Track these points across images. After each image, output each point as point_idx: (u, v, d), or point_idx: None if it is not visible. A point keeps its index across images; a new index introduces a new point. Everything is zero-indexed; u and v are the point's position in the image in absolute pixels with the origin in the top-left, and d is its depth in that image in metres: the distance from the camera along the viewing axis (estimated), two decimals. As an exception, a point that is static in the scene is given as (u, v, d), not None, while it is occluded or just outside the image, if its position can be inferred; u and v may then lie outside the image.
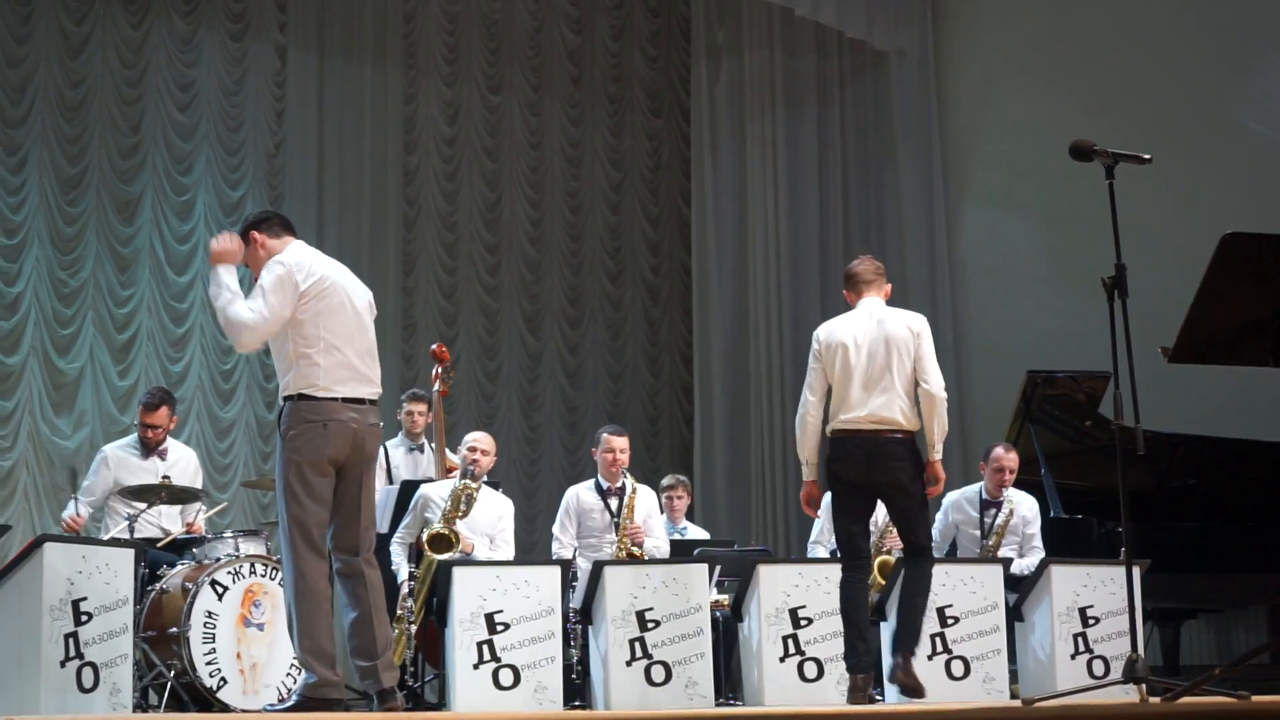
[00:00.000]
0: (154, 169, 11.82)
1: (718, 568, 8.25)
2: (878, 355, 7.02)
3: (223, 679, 7.36)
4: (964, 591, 7.95)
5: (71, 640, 6.91)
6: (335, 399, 5.99)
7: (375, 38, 12.77)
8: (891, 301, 12.97)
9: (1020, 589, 8.23)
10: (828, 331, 7.28)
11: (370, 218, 12.55)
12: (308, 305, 6.00)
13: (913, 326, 7.16)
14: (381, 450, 9.02)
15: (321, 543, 6.05)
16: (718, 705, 7.69)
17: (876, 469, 6.84)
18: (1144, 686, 4.72)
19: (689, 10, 14.11)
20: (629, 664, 7.55)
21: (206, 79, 12.08)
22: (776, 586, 7.77)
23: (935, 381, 6.98)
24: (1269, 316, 4.70)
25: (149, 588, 7.63)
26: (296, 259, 6.08)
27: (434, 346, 9.03)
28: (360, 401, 6.07)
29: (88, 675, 6.93)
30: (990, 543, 8.76)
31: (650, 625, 7.60)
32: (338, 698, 6.01)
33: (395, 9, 12.88)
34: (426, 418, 9.10)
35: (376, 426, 6.21)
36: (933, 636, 7.83)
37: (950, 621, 7.92)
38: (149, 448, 8.35)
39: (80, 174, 11.53)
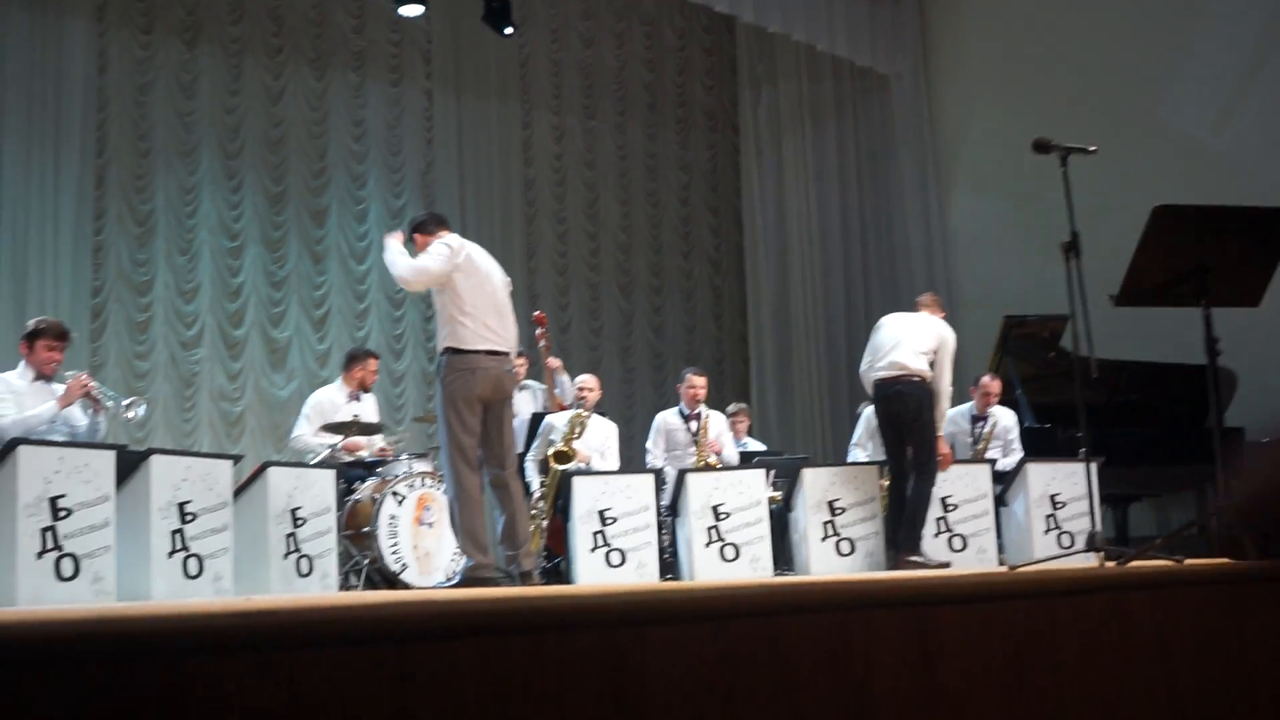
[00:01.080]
0: (337, 186, 11.93)
1: (772, 471, 8.29)
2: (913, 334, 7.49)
3: (403, 564, 7.51)
4: (961, 484, 7.98)
5: (291, 539, 7.07)
6: (479, 351, 6.09)
7: (499, 79, 12.82)
8: (895, 264, 12.87)
9: (1004, 482, 8.22)
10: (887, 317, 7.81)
11: (501, 217, 12.66)
12: (458, 278, 6.12)
13: (943, 333, 7.55)
14: None
15: (474, 460, 6.16)
16: (775, 574, 7.74)
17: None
18: (1102, 554, 4.73)
19: (735, 50, 14.09)
20: (707, 546, 7.61)
21: (374, 117, 12.17)
22: (817, 484, 7.81)
23: (942, 383, 7.47)
24: (1190, 269, 4.69)
25: (346, 498, 7.76)
26: (456, 241, 6.23)
27: (535, 314, 9.12)
28: (496, 353, 6.16)
29: (304, 564, 7.09)
30: (980, 447, 8.76)
31: (723, 516, 7.66)
32: (490, 576, 6.15)
33: (513, 57, 12.91)
34: (525, 368, 9.13)
35: (510, 372, 6.29)
36: (937, 519, 7.86)
37: (951, 508, 7.95)
38: (353, 395, 8.38)
39: (282, 192, 11.64)
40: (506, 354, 6.25)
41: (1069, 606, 2.46)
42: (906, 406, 7.36)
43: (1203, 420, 9.18)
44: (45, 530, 5.58)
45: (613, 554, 7.51)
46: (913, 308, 7.86)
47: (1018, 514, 8.10)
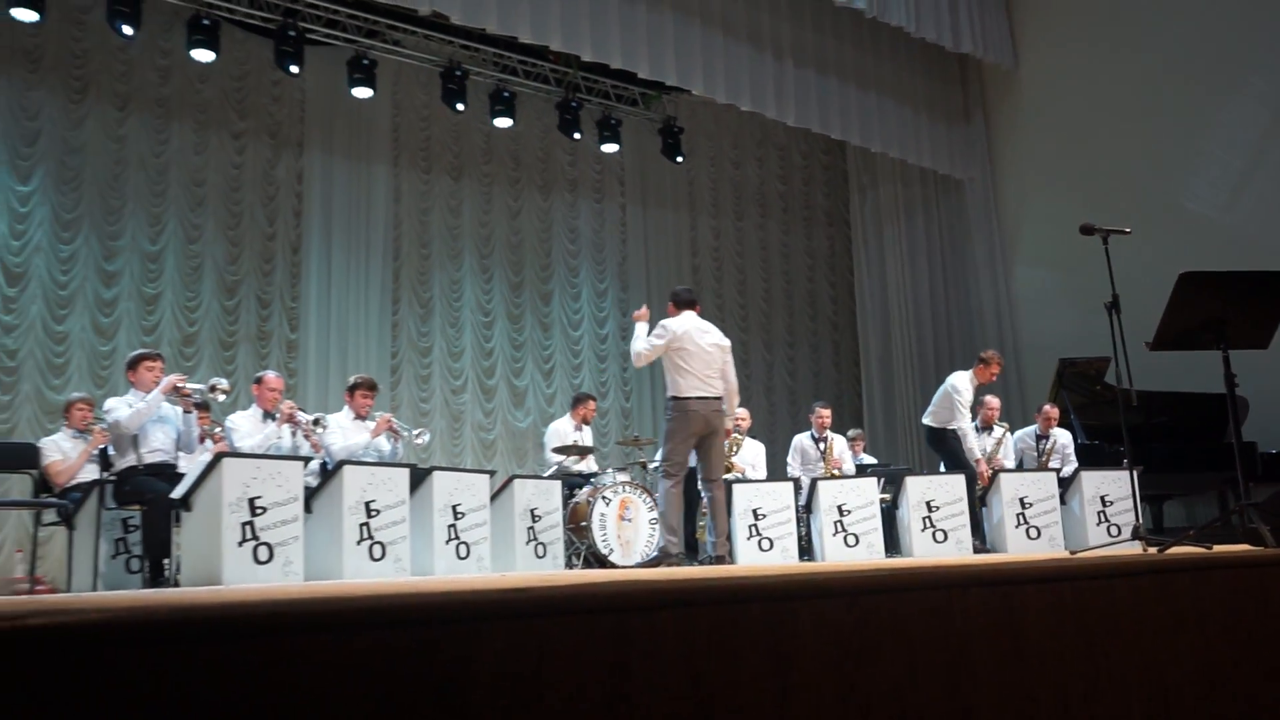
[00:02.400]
0: (559, 275, 12.15)
1: (882, 479, 8.10)
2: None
3: (610, 549, 7.53)
4: (1033, 488, 7.68)
5: (531, 530, 7.17)
6: (690, 398, 6.16)
7: (673, 194, 12.86)
8: (971, 321, 12.42)
9: (1064, 485, 7.87)
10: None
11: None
12: (674, 350, 6.21)
13: (946, 385, 7.98)
14: None
15: (678, 475, 6.17)
16: (886, 556, 7.54)
17: None
18: (1144, 542, 4.49)
19: (846, 164, 13.93)
20: (834, 535, 7.47)
21: (584, 225, 12.33)
22: (917, 489, 7.59)
23: (958, 425, 7.87)
24: (1210, 320, 4.46)
25: (569, 501, 7.85)
26: (674, 324, 6.28)
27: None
28: (705, 398, 6.16)
29: (541, 550, 7.18)
30: (1044, 460, 8.41)
31: (845, 513, 7.51)
32: (674, 553, 6.19)
33: (683, 178, 13.02)
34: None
35: (718, 412, 6.22)
36: (1016, 515, 7.55)
37: (1027, 505, 7.63)
38: (578, 426, 8.51)
39: (520, 281, 11.91)
40: (714, 398, 6.21)
41: (1124, 585, 2.33)
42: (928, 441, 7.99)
43: (1220, 436, 8.65)
44: (362, 525, 5.80)
45: (763, 542, 7.44)
46: (985, 357, 7.90)
47: (1075, 510, 7.73)
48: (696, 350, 6.21)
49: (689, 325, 6.31)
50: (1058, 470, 8.09)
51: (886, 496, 8.00)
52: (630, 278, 12.56)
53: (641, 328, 6.44)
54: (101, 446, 6.10)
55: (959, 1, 11.58)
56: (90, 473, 6.34)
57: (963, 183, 12.97)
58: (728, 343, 6.43)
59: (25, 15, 8.73)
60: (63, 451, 6.42)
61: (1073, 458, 8.45)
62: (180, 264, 9.81)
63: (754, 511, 7.45)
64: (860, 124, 11.41)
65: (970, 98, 12.81)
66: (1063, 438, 8.50)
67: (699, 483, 6.47)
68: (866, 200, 13.53)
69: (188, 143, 10.00)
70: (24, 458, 6.44)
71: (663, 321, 6.36)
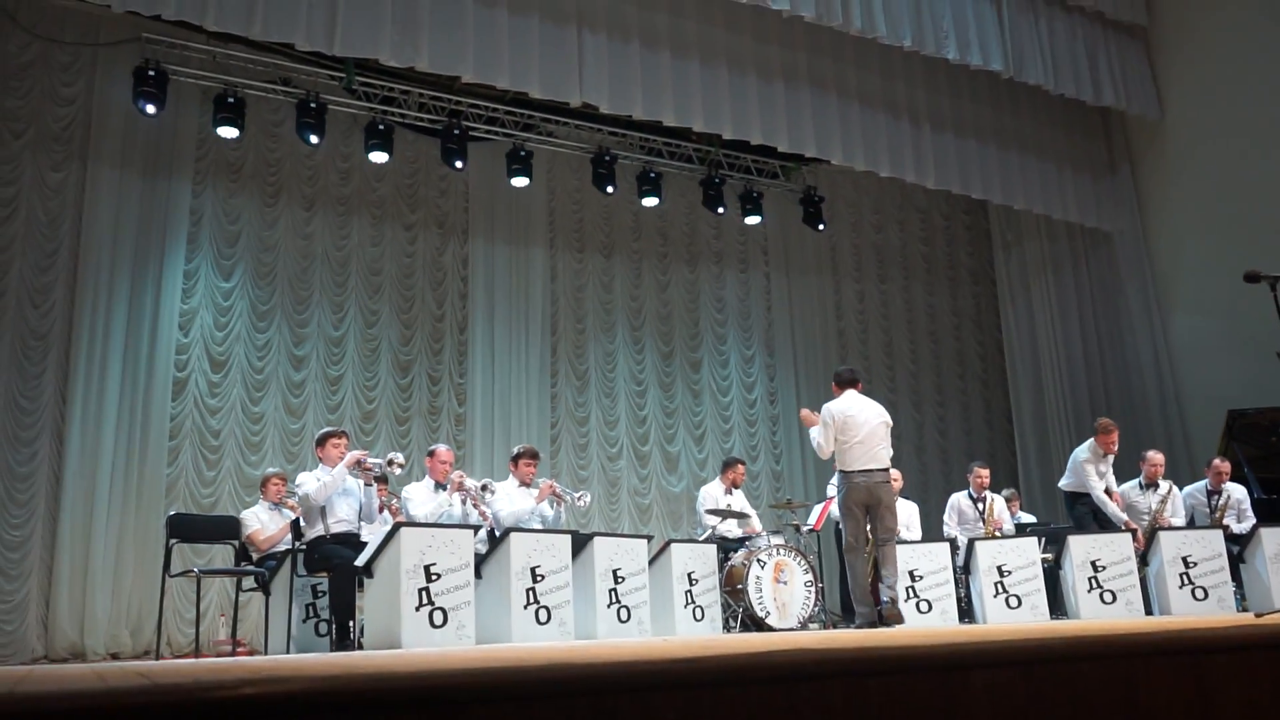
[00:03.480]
0: (707, 344, 12.21)
1: (1043, 539, 7.70)
2: None
3: (767, 611, 7.39)
4: (1198, 546, 7.15)
5: (689, 594, 7.10)
6: (855, 471, 6.31)
7: (815, 260, 12.78)
8: (1129, 375, 11.79)
9: (1241, 543, 7.29)
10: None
11: (822, 358, 12.59)
12: (840, 430, 6.38)
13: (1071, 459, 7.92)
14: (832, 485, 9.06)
15: (856, 543, 6.38)
16: (1051, 619, 7.12)
17: None
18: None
19: (989, 223, 13.57)
20: (995, 596, 7.12)
21: (730, 295, 12.38)
22: (1081, 548, 7.17)
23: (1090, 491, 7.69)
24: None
25: (725, 564, 7.77)
26: (836, 406, 6.49)
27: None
28: (868, 471, 6.30)
29: (699, 613, 7.10)
30: (1216, 517, 7.82)
31: (1006, 573, 7.17)
32: (872, 622, 6.26)
33: (825, 244, 12.92)
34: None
35: (884, 483, 6.33)
36: (1179, 574, 7.04)
37: (1191, 564, 7.10)
38: (728, 490, 8.47)
39: (670, 351, 12.00)
40: (879, 469, 6.33)
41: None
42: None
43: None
44: (528, 590, 5.87)
45: (921, 603, 7.15)
46: (1143, 410, 7.46)
47: (1258, 569, 7.13)
48: (859, 427, 6.34)
49: (851, 404, 6.45)
50: (1227, 527, 7.51)
51: (1048, 556, 7.59)
52: (776, 343, 12.49)
53: (814, 429, 6.61)
54: (294, 518, 6.41)
55: (1098, 55, 11.20)
56: (284, 542, 6.67)
57: (1111, 235, 12.41)
58: (888, 418, 6.53)
59: (228, 133, 9.51)
60: (261, 522, 6.79)
61: (1249, 513, 7.84)
62: (360, 347, 10.33)
63: (911, 573, 7.19)
64: (1002, 182, 11.11)
65: (1115, 149, 12.30)
66: (1237, 493, 7.90)
67: (877, 548, 6.45)
68: (1011, 257, 13.10)
69: (365, 236, 10.59)
70: (227, 529, 6.84)
71: (826, 406, 6.53)
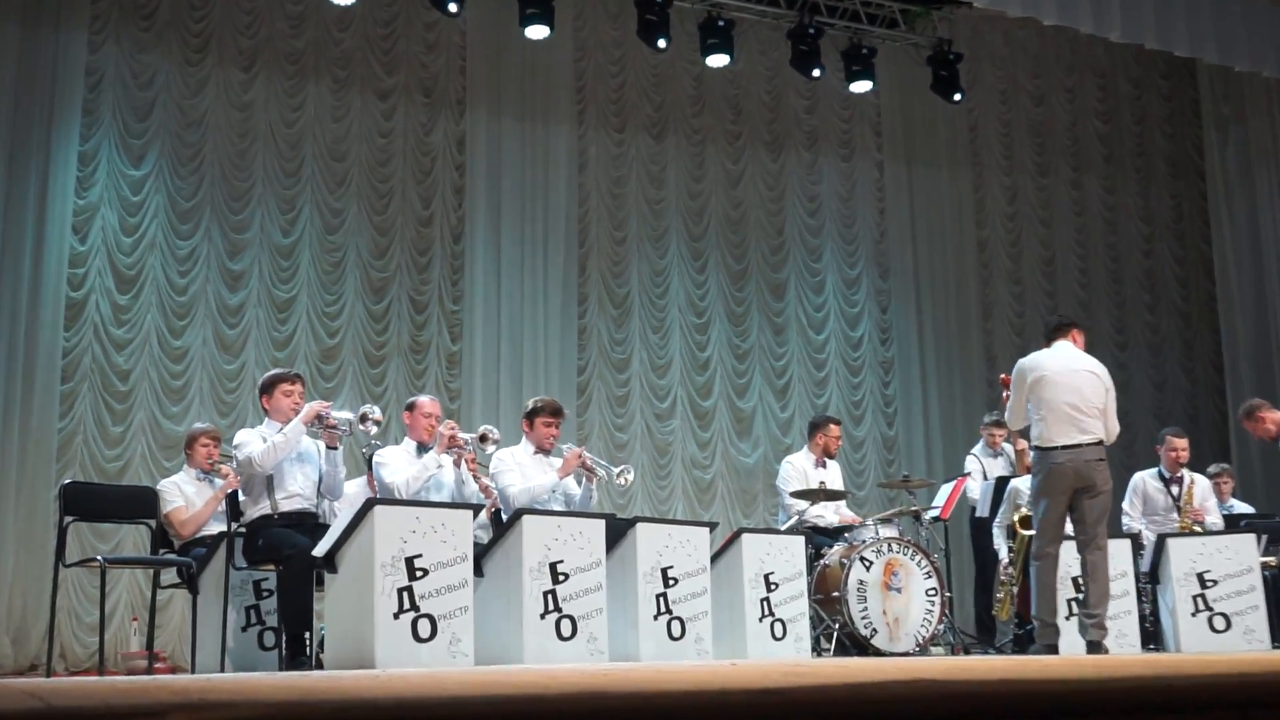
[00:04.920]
0: (794, 260, 12.14)
1: (1264, 536, 7.63)
2: None
3: (873, 629, 7.42)
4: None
5: (765, 603, 7.17)
6: (1055, 447, 6.41)
7: (948, 146, 12.69)
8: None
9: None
10: None
11: (955, 280, 12.52)
12: (1034, 391, 6.52)
13: None
14: (971, 457, 9.07)
15: (1049, 540, 6.47)
16: (1274, 648, 7.08)
17: None
18: None
19: (1197, 92, 13.29)
20: (1193, 615, 7.12)
21: (828, 192, 12.33)
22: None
23: None
24: None
25: (815, 563, 7.80)
26: (1030, 361, 6.67)
27: (1001, 377, 8.86)
28: (1073, 446, 6.38)
29: (779, 628, 7.17)
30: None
31: (1209, 583, 7.14)
32: (1052, 643, 6.39)
33: (962, 122, 12.76)
34: (1002, 433, 9.01)
35: (1096, 462, 6.42)
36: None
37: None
38: (820, 462, 8.48)
39: (744, 269, 11.96)
40: (1090, 444, 6.41)
41: None
42: None
43: None
44: (547, 594, 5.95)
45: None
46: None
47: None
48: (1061, 386, 6.45)
49: (1052, 358, 6.57)
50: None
51: (1272, 561, 7.53)
52: (891, 260, 12.40)
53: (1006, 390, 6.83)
54: (231, 491, 6.52)
55: None
56: (216, 523, 6.79)
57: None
58: (1107, 378, 6.59)
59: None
60: (185, 497, 6.91)
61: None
62: (318, 260, 10.41)
63: (1074, 580, 7.17)
64: (1217, 34, 10.82)
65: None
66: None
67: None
68: (1229, 141, 12.83)
69: (325, 108, 10.61)
70: (139, 504, 6.97)
71: (1021, 361, 6.71)
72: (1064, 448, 6.39)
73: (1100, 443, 6.43)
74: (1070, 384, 6.44)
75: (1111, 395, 6.56)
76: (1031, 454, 6.62)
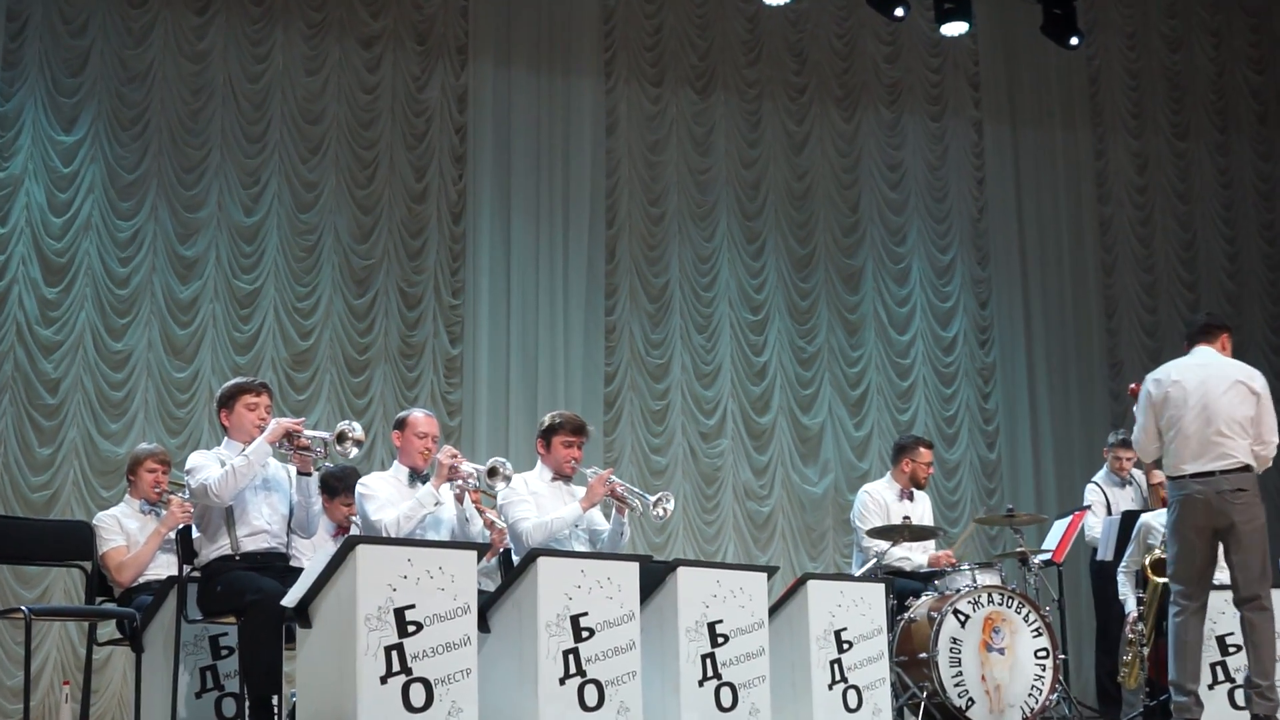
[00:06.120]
0: (872, 242, 12.11)
1: None
2: None
3: (970, 699, 7.34)
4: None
5: (836, 666, 7.11)
6: (1183, 476, 6.41)
7: (1063, 104, 12.64)
8: None
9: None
10: None
11: (1071, 266, 12.43)
12: (1162, 410, 6.54)
13: None
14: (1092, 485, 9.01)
15: (1190, 592, 6.45)
16: None
17: None
18: None
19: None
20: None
21: (912, 158, 12.29)
22: None
23: None
24: None
25: (898, 617, 7.74)
26: (1160, 373, 6.67)
27: (1130, 387, 8.80)
28: (1208, 475, 6.35)
29: (852, 697, 7.10)
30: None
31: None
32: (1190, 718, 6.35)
33: (1080, 73, 12.70)
34: (1131, 457, 8.93)
35: (1237, 493, 6.36)
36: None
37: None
38: (905, 493, 8.43)
39: (809, 254, 11.93)
40: (1229, 472, 6.37)
41: None
42: None
43: None
44: (568, 653, 5.94)
45: (1236, 691, 7.07)
46: None
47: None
48: (1198, 402, 6.44)
49: (1191, 367, 6.57)
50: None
51: None
52: (993, 240, 12.35)
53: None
54: (182, 526, 6.54)
55: None
56: (166, 567, 6.81)
57: None
58: (1255, 382, 6.52)
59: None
60: (127, 533, 6.94)
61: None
62: (288, 243, 10.47)
63: (1220, 640, 7.12)
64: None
65: None
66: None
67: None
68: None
69: (297, 56, 10.67)
70: (71, 542, 6.97)
71: (1150, 374, 6.74)
72: (1194, 476, 6.37)
73: (1245, 469, 6.36)
74: (1210, 399, 6.40)
75: (1267, 406, 6.48)
76: (1166, 485, 6.60)
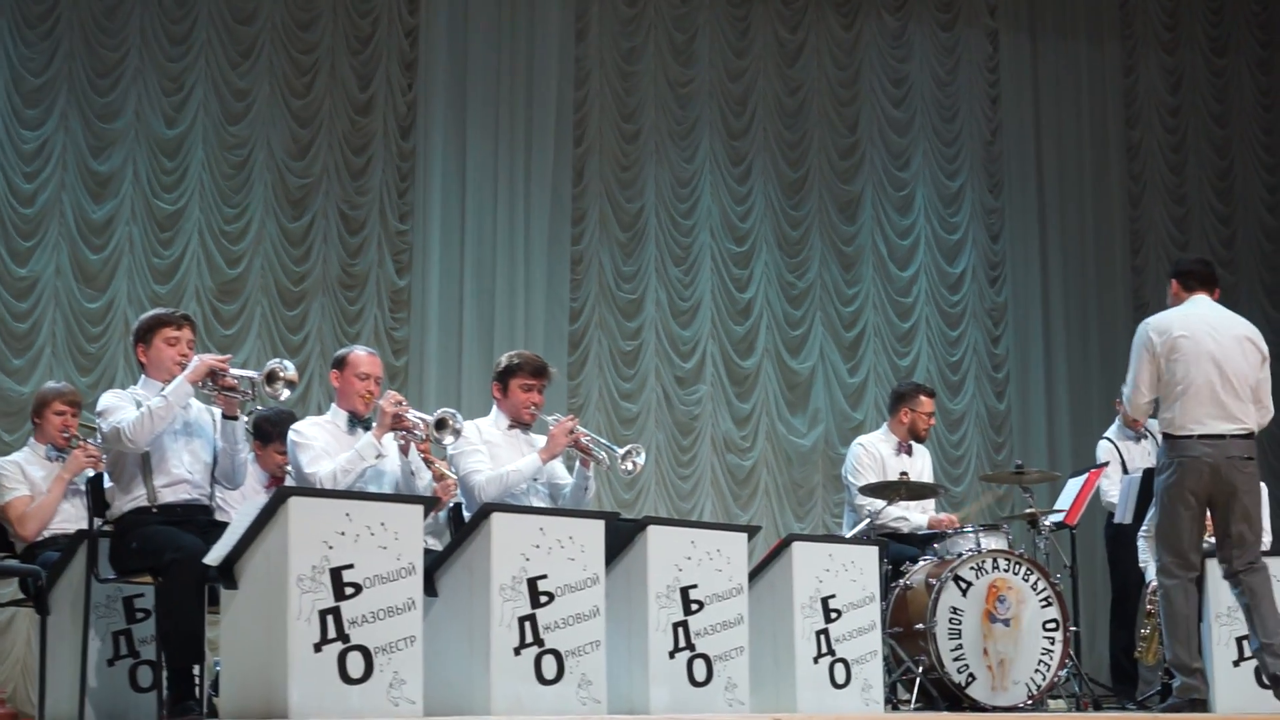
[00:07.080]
0: (872, 165, 12.11)
1: None
2: None
3: (970, 675, 7.38)
4: None
5: (823, 637, 7.15)
6: (1190, 437, 6.51)
7: (1089, 13, 12.61)
8: None
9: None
10: None
11: (1093, 198, 12.47)
12: (1167, 361, 6.60)
13: None
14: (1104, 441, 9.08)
15: (1184, 561, 6.60)
16: None
17: None
18: None
19: None
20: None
21: (919, 72, 12.28)
22: None
23: None
24: None
25: (893, 583, 7.77)
26: (1161, 322, 6.73)
27: None
28: (1211, 437, 6.49)
29: (840, 671, 7.14)
30: None
31: None
32: (1197, 697, 6.51)
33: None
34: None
35: (1242, 460, 6.53)
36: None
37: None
38: (903, 446, 8.45)
39: (801, 178, 11.93)
40: (1238, 436, 6.53)
41: None
42: None
43: None
44: (524, 620, 5.96)
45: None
46: None
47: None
48: (1204, 356, 6.51)
49: (1193, 317, 6.62)
50: None
51: None
52: (1008, 165, 12.37)
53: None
54: (92, 474, 6.53)
55: None
56: (73, 518, 6.81)
57: None
58: (1260, 343, 6.65)
59: None
60: (31, 482, 6.94)
61: None
62: (215, 158, 10.42)
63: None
64: None
65: None
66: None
67: (1222, 571, 6.70)
68: None
69: (225, -54, 10.61)
70: (-32, 493, 6.99)
71: (1147, 321, 6.75)
72: (1203, 438, 6.47)
73: (1250, 435, 6.51)
74: (1223, 356, 6.51)
75: (1266, 368, 6.63)
76: (1161, 446, 6.71)
